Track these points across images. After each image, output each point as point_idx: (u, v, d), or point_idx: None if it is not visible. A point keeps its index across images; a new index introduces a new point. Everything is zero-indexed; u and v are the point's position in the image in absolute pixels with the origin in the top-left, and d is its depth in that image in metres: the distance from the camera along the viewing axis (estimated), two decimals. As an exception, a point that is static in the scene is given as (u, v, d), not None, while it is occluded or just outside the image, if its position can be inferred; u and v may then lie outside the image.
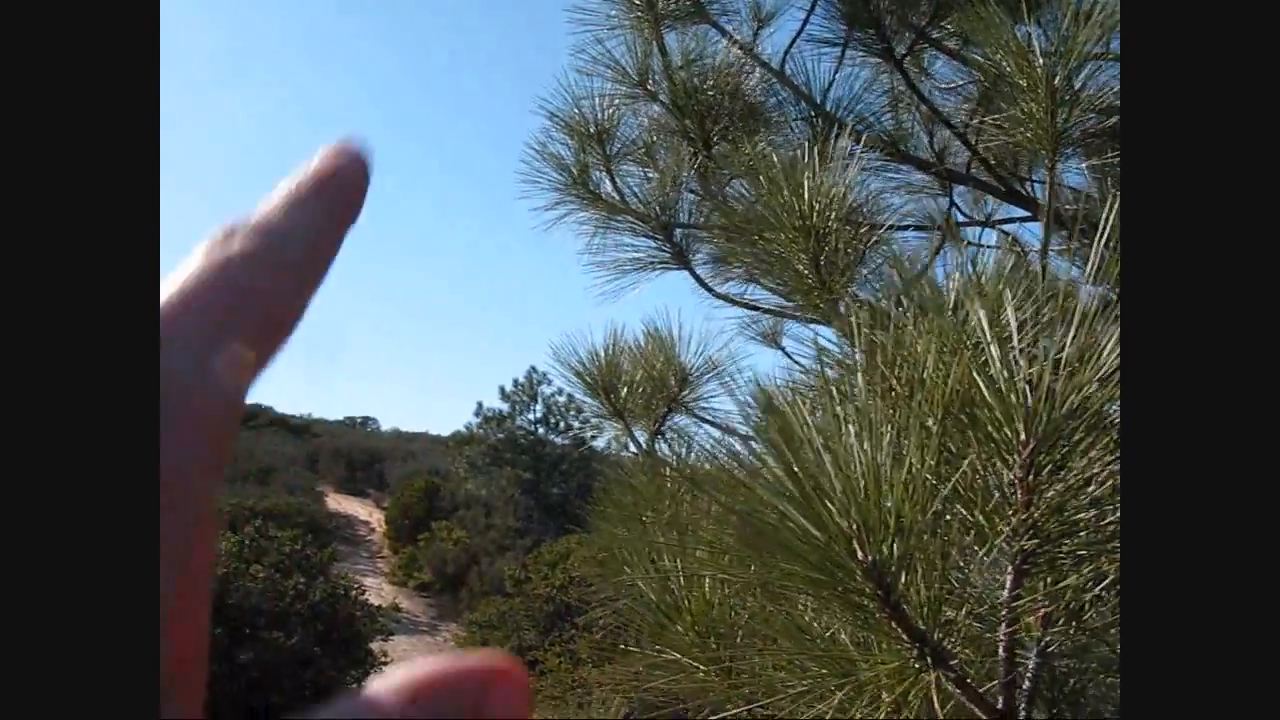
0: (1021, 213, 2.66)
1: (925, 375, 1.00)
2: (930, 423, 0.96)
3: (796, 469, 0.99)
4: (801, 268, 2.13)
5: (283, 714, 10.93)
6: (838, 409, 0.99)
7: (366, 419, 40.91)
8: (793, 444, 1.03)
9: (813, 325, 2.19)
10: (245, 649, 10.13)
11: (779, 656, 1.39)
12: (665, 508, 2.16)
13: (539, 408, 20.44)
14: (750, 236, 2.29)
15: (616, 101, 2.95)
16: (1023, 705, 1.00)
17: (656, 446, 2.73)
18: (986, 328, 1.00)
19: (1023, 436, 0.95)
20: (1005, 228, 2.71)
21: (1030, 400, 0.95)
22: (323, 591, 11.75)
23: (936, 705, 0.89)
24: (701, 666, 1.48)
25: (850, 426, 1.02)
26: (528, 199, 2.98)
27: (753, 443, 1.19)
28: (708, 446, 2.51)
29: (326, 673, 11.01)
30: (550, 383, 20.21)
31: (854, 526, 0.91)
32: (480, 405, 20.96)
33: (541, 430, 20.37)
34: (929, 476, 0.93)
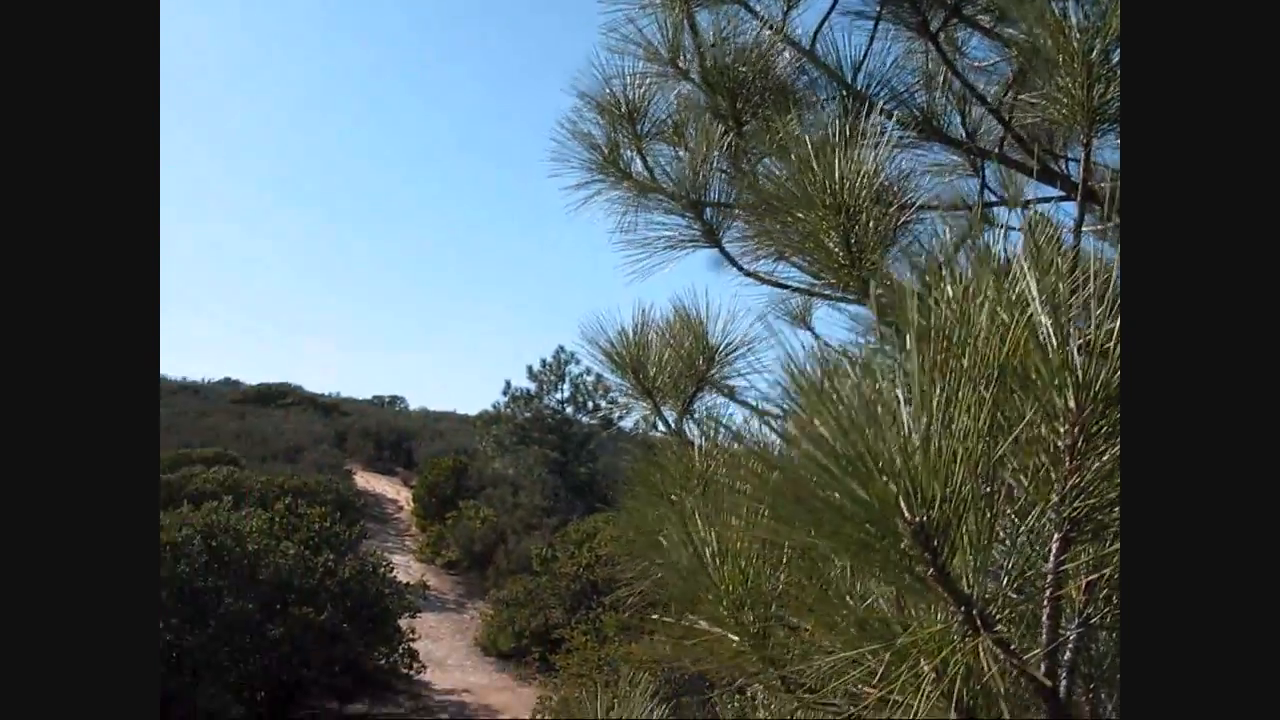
0: (1055, 191, 2.65)
1: (979, 336, 1.01)
2: (981, 386, 0.97)
3: (846, 427, 1.00)
4: (832, 246, 2.14)
5: (312, 688, 11.06)
6: (886, 372, 1.00)
7: (394, 398, 41.15)
8: (840, 405, 1.04)
9: (843, 304, 2.19)
10: (276, 623, 10.25)
11: (814, 623, 1.40)
12: (694, 486, 2.17)
13: (566, 387, 20.51)
14: (781, 215, 2.30)
15: (648, 80, 2.95)
16: (1064, 676, 1.01)
17: (685, 426, 2.74)
18: (1038, 293, 1.01)
19: (1073, 404, 0.96)
20: (1040, 207, 2.70)
21: (1080, 368, 0.96)
22: (352, 568, 11.87)
23: (988, 665, 0.90)
24: (734, 636, 1.49)
25: (899, 389, 1.03)
26: (558, 178, 3.00)
27: (796, 404, 1.20)
28: (740, 421, 2.53)
29: (355, 648, 11.13)
30: (578, 362, 20.27)
31: (902, 489, 0.93)
32: (508, 384, 21.05)
33: (569, 410, 20.43)
34: (978, 441, 0.94)
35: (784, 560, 1.60)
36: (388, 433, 29.53)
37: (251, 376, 38.09)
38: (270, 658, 10.04)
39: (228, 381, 37.33)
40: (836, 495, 1.05)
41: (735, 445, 2.09)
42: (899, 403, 1.03)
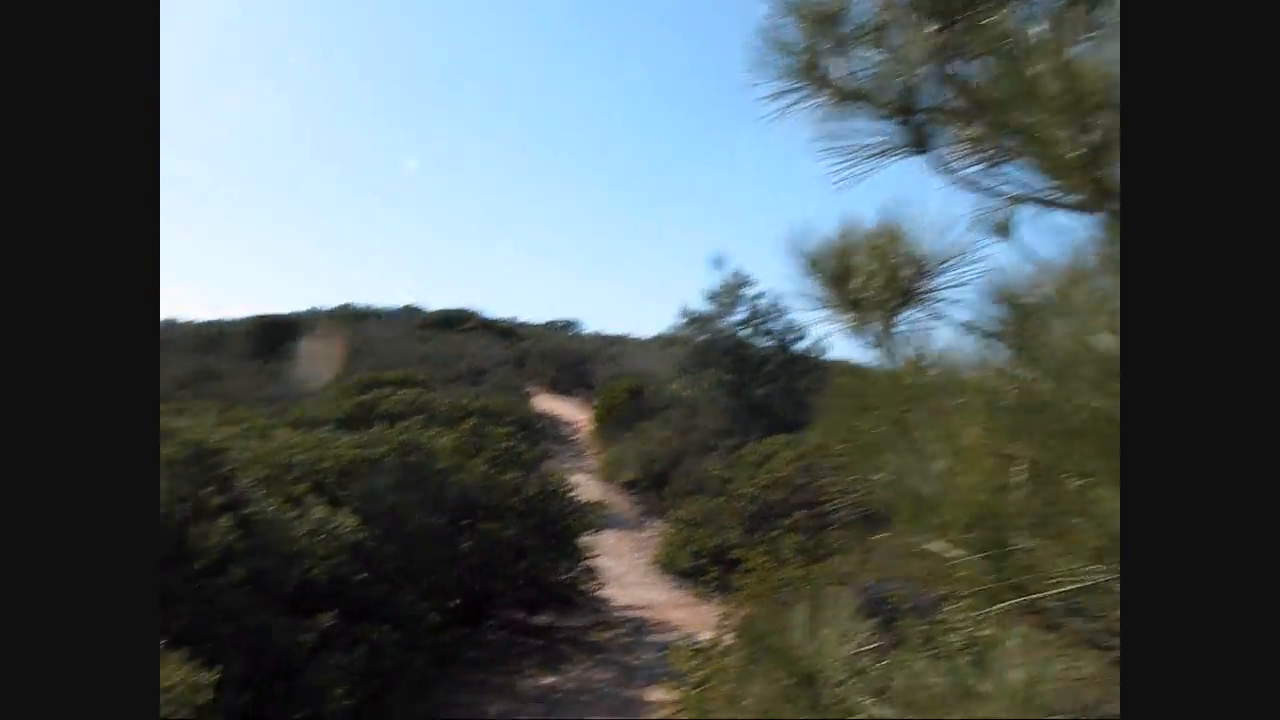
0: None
1: None
2: None
3: (1110, 339, 0.92)
4: (1063, 149, 1.99)
5: (499, 600, 11.54)
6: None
7: (569, 322, 41.91)
8: (1101, 315, 0.96)
9: (1075, 211, 2.04)
10: (465, 537, 10.69)
11: (1052, 544, 1.33)
12: (905, 401, 2.10)
13: (743, 310, 20.39)
14: (1001, 116, 2.15)
15: (848, -20, 2.81)
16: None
17: (889, 341, 2.65)
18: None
19: None
20: None
21: None
22: (535, 486, 12.24)
23: None
24: (968, 554, 1.43)
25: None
26: (755, 88, 2.90)
27: (1039, 318, 1.12)
28: (948, 335, 2.42)
29: (540, 563, 11.52)
30: (754, 284, 20.11)
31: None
32: (685, 307, 21.11)
33: (745, 332, 20.34)
34: None
35: (1013, 480, 1.52)
36: (565, 356, 30.17)
37: (430, 303, 39.36)
38: (461, 568, 10.50)
39: (409, 309, 38.73)
40: (1098, 408, 0.97)
41: (956, 360, 2.00)
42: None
